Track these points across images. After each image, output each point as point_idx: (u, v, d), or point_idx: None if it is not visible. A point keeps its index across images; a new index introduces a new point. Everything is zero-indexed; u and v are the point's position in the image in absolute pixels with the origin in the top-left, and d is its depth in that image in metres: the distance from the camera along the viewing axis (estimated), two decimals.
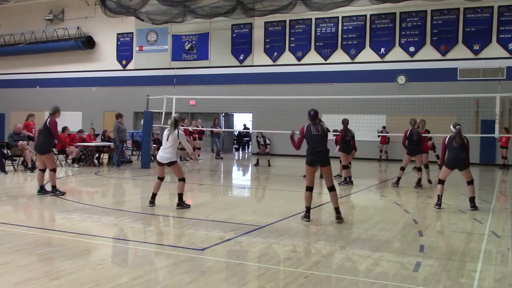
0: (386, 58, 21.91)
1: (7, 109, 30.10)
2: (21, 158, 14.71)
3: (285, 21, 23.62)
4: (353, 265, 5.36)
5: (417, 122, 12.47)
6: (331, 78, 22.42)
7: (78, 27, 27.70)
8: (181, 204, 8.51)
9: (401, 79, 21.50)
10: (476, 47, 20.47)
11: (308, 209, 7.60)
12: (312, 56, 23.22)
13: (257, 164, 17.89)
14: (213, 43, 25.29)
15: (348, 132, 12.74)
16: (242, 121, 30.10)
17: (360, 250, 5.94)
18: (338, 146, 13.05)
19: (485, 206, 9.37)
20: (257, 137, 18.89)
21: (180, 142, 8.68)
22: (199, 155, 20.31)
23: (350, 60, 22.51)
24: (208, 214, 8.16)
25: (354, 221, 8.10)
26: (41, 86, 29.27)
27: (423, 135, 12.65)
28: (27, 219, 7.51)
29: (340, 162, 12.89)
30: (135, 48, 27.05)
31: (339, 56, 22.74)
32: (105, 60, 27.75)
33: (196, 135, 20.21)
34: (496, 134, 14.26)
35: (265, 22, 23.95)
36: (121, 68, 27.42)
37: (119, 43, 27.50)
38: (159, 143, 19.33)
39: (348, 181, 12.52)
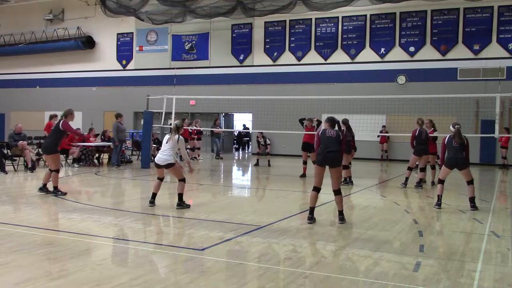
0: (386, 58, 21.91)
1: (7, 109, 30.10)
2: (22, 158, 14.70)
3: (285, 21, 23.62)
4: (353, 265, 5.36)
5: (425, 122, 12.44)
6: (331, 78, 22.42)
7: (78, 27, 27.70)
8: (181, 204, 8.52)
9: (401, 79, 21.51)
10: (476, 47, 20.47)
11: (312, 210, 7.55)
12: (312, 56, 23.22)
13: (257, 164, 17.89)
14: (213, 43, 25.29)
15: (349, 132, 12.73)
16: (242, 121, 30.10)
17: (360, 250, 5.94)
18: None
19: (485, 206, 9.37)
20: (257, 137, 18.90)
21: (179, 148, 8.70)
22: (199, 155, 20.32)
23: (350, 60, 22.51)
24: (208, 214, 8.16)
25: (354, 221, 8.10)
26: (41, 86, 29.27)
27: (430, 135, 12.63)
28: (27, 219, 7.50)
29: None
30: (135, 48, 27.05)
31: (339, 56, 22.73)
32: (105, 60, 27.75)
33: (195, 136, 20.18)
34: (496, 134, 14.26)
35: (265, 22, 23.95)
36: (121, 68, 27.42)
37: (119, 43, 27.50)
38: (159, 143, 19.36)
39: (348, 181, 12.52)
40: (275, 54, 23.94)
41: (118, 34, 27.38)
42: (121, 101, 26.01)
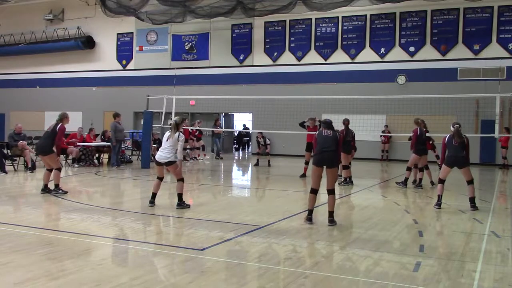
0: (386, 58, 21.90)
1: (7, 109, 30.10)
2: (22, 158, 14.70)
3: (285, 21, 23.61)
4: (353, 265, 5.36)
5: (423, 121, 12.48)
6: (331, 78, 22.42)
7: (78, 27, 27.69)
8: (181, 204, 8.52)
9: (401, 79, 21.50)
10: (476, 47, 20.47)
11: (310, 212, 7.49)
12: (312, 56, 23.22)
13: (257, 164, 17.89)
14: (213, 43, 25.28)
15: (349, 132, 12.74)
16: (242, 121, 30.09)
17: (360, 250, 5.94)
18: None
19: (485, 206, 9.37)
20: (257, 137, 18.89)
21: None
22: (198, 155, 20.32)
23: (350, 60, 22.50)
24: (208, 214, 8.16)
25: (354, 221, 8.10)
26: (41, 86, 29.27)
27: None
28: (27, 219, 7.50)
29: (340, 162, 12.88)
30: (135, 48, 27.04)
31: (339, 56, 22.73)
32: (105, 60, 27.74)
33: (194, 137, 20.18)
34: (496, 134, 14.26)
35: (265, 22, 23.94)
36: (121, 68, 27.41)
37: (119, 43, 27.50)
38: (159, 143, 19.36)
39: (348, 181, 12.53)
40: (275, 54, 23.94)
41: (118, 34, 27.38)
42: (121, 101, 26.00)
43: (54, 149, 10.01)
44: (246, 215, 8.11)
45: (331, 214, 7.48)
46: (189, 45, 25.75)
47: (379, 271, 5.13)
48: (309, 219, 7.45)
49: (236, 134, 29.69)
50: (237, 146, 29.68)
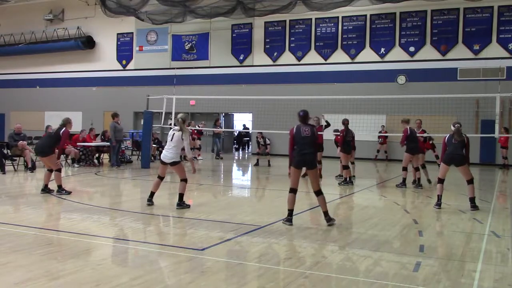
0: (386, 58, 21.90)
1: (7, 109, 30.11)
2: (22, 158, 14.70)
3: (285, 21, 23.61)
4: (353, 265, 5.36)
5: (416, 122, 12.50)
6: (331, 78, 22.42)
7: (78, 27, 27.69)
8: (181, 204, 8.51)
9: (401, 79, 21.50)
10: (476, 47, 20.47)
11: (291, 212, 7.35)
12: (312, 56, 23.22)
13: (257, 164, 17.89)
14: (213, 43, 25.28)
15: (349, 132, 12.74)
16: (242, 121, 30.09)
17: (360, 250, 5.94)
18: (339, 148, 13.02)
19: (485, 206, 9.37)
20: (257, 137, 18.89)
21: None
22: (199, 155, 20.32)
23: (350, 60, 22.51)
24: (208, 214, 8.16)
25: (354, 221, 8.10)
26: (41, 86, 29.27)
27: (419, 135, 12.72)
28: (27, 219, 7.50)
29: (341, 162, 12.91)
30: (135, 48, 27.05)
31: (339, 56, 22.73)
32: (105, 60, 27.75)
33: (195, 136, 20.19)
34: (496, 134, 14.27)
35: (265, 22, 23.94)
36: (121, 68, 27.42)
37: (119, 43, 27.50)
38: (159, 143, 19.36)
39: (348, 181, 12.52)
40: (275, 54, 23.94)
41: (118, 34, 27.38)
42: (121, 101, 26.00)
43: (56, 150, 10.08)
44: (246, 215, 8.11)
45: (326, 213, 7.41)
46: (189, 45, 25.75)
47: (379, 271, 5.13)
48: (289, 219, 7.31)
49: (236, 134, 29.69)
50: (237, 146, 29.69)
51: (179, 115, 8.62)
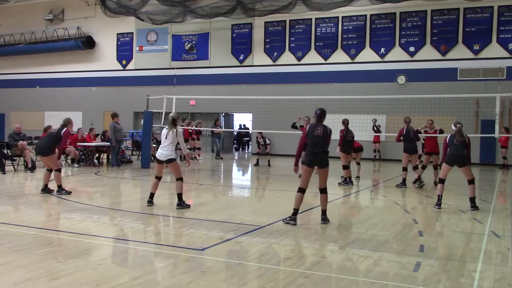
0: (386, 58, 21.90)
1: (7, 109, 30.10)
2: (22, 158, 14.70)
3: (285, 21, 23.61)
4: (353, 265, 5.36)
5: (427, 122, 12.47)
6: (331, 78, 22.42)
7: (78, 27, 27.69)
8: (181, 204, 8.52)
9: (401, 79, 21.50)
10: (476, 47, 20.47)
11: (296, 211, 7.38)
12: (312, 56, 23.21)
13: (257, 164, 17.89)
14: (213, 43, 25.28)
15: (349, 132, 12.73)
16: (242, 121, 30.09)
17: (360, 250, 5.94)
18: (338, 147, 12.99)
19: (485, 206, 9.37)
20: (257, 137, 18.89)
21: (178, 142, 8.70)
22: (199, 155, 20.32)
23: (350, 60, 22.50)
24: (208, 214, 8.16)
25: (354, 221, 8.11)
26: (41, 86, 29.26)
27: (432, 135, 12.66)
28: (27, 219, 7.50)
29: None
30: (135, 48, 27.04)
31: (339, 56, 22.73)
32: (105, 60, 27.74)
33: (195, 136, 20.20)
34: (496, 134, 14.26)
35: (265, 22, 23.94)
36: (121, 68, 27.41)
37: (119, 43, 27.50)
38: (158, 143, 19.32)
39: (348, 181, 12.51)
40: (275, 54, 23.93)
41: (118, 34, 27.38)
42: (121, 101, 26.00)
43: (56, 150, 10.10)
44: (246, 215, 8.11)
45: (324, 212, 7.50)
46: (189, 45, 25.75)
47: (379, 271, 5.13)
48: (294, 219, 7.33)
49: (236, 134, 29.69)
50: (237, 146, 29.69)
51: (170, 114, 8.66)
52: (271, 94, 20.75)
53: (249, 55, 24.50)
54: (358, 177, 13.42)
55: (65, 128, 10.10)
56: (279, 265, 5.32)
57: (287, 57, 23.71)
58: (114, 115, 16.29)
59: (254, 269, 5.16)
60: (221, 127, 21.93)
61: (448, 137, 9.27)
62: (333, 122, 14.93)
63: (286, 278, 4.86)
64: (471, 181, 9.05)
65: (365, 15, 22.18)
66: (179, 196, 8.54)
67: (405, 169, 12.27)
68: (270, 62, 24.02)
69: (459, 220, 8.13)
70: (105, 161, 17.41)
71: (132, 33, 27.04)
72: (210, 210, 8.55)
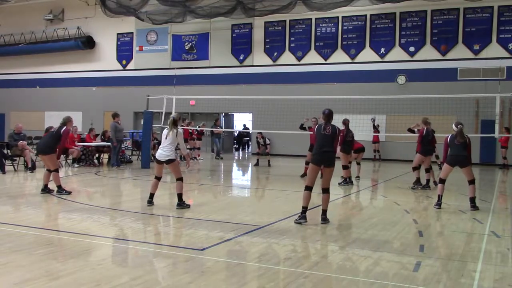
0: (386, 58, 21.90)
1: (7, 109, 30.10)
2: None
3: (285, 21, 23.61)
4: (353, 265, 5.36)
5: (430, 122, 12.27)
6: (331, 78, 22.42)
7: (78, 27, 27.69)
8: (181, 204, 8.51)
9: (401, 79, 21.50)
10: (476, 47, 20.47)
11: (305, 210, 7.46)
12: (312, 56, 23.21)
13: (257, 164, 17.89)
14: (213, 43, 25.28)
15: (349, 132, 12.72)
16: (242, 121, 30.09)
17: (360, 250, 5.94)
18: (339, 147, 12.96)
19: (485, 206, 9.37)
20: (257, 137, 18.90)
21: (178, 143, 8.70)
22: (198, 155, 20.32)
23: (350, 60, 22.50)
24: (208, 214, 8.16)
25: (354, 221, 8.11)
26: (41, 86, 29.27)
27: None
28: (27, 219, 7.50)
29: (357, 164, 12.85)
30: (135, 48, 27.04)
31: (339, 56, 22.73)
32: (105, 60, 27.74)
33: (195, 136, 20.20)
34: (496, 134, 14.26)
35: (265, 22, 23.94)
36: (121, 68, 27.41)
37: (119, 43, 27.50)
38: (158, 143, 19.33)
39: (348, 181, 12.51)
40: (275, 54, 23.93)
41: (118, 34, 27.38)
42: (121, 101, 26.00)
43: (56, 150, 10.12)
44: (246, 215, 8.11)
45: (324, 212, 7.53)
46: (189, 45, 25.75)
47: (379, 271, 5.13)
48: (304, 217, 7.40)
49: (236, 134, 29.69)
50: (237, 146, 29.69)
51: (171, 115, 8.67)
52: (271, 94, 20.76)
53: (249, 55, 24.50)
54: (358, 177, 13.43)
55: (65, 127, 10.10)
56: (279, 265, 5.32)
57: (287, 57, 23.71)
58: (115, 115, 16.29)
59: (254, 269, 5.16)
60: (221, 127, 21.93)
61: (448, 138, 9.24)
62: (333, 122, 14.97)
63: (286, 278, 4.86)
64: (472, 181, 9.05)
65: (365, 15, 22.19)
66: (179, 196, 8.54)
67: (416, 168, 11.91)
68: (270, 62, 24.02)
69: (459, 220, 8.13)
70: (105, 161, 17.41)
71: (132, 33, 27.04)
72: (210, 210, 8.55)
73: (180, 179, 8.58)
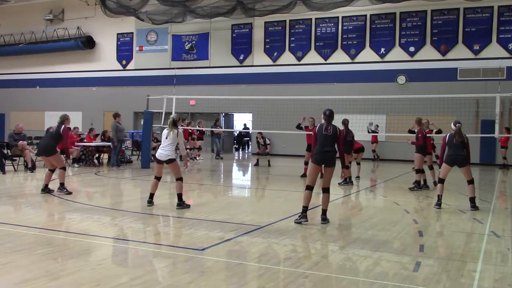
0: (386, 58, 21.91)
1: (7, 109, 30.11)
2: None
3: (285, 21, 23.62)
4: (353, 265, 5.36)
5: (423, 121, 12.27)
6: (331, 78, 22.42)
7: (78, 27, 27.70)
8: (181, 204, 8.51)
9: (401, 79, 21.51)
10: (476, 47, 20.48)
11: (305, 209, 7.47)
12: (312, 56, 23.22)
13: (257, 164, 17.89)
14: (213, 43, 25.29)
15: (349, 132, 12.72)
16: (242, 121, 30.10)
17: (360, 250, 5.94)
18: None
19: (485, 206, 9.37)
20: (257, 137, 18.90)
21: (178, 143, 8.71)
22: (198, 155, 20.32)
23: (350, 60, 22.51)
24: (208, 214, 8.16)
25: (354, 221, 8.11)
26: (41, 86, 29.27)
27: (428, 135, 12.52)
28: (27, 219, 7.50)
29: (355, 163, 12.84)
30: (135, 48, 27.05)
31: (339, 56, 22.73)
32: (105, 60, 27.75)
33: (195, 136, 20.20)
34: (496, 134, 14.26)
35: (265, 22, 23.95)
36: (121, 68, 27.42)
37: (119, 43, 27.50)
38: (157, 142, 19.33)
39: (348, 181, 12.51)
40: (275, 54, 23.94)
41: (118, 34, 27.39)
42: (121, 101, 26.01)
43: (58, 149, 10.14)
44: (246, 215, 8.11)
45: (324, 212, 7.54)
46: (189, 45, 25.76)
47: (379, 271, 5.13)
48: (304, 216, 7.42)
49: (236, 134, 29.69)
50: (237, 146, 29.69)
51: (171, 116, 8.68)
52: (271, 94, 20.77)
53: (249, 55, 24.50)
54: (358, 177, 13.43)
55: (63, 126, 10.08)
56: (279, 265, 5.32)
57: (287, 57, 23.71)
58: (116, 115, 16.30)
59: (254, 269, 5.16)
60: (221, 127, 21.93)
61: (447, 137, 9.22)
62: (333, 122, 14.97)
63: (286, 278, 4.86)
64: (471, 181, 9.04)
65: (365, 15, 22.19)
66: (179, 196, 8.54)
67: (419, 171, 11.71)
68: (270, 62, 24.02)
69: (459, 220, 8.13)
70: (105, 161, 17.41)
71: (132, 33, 27.05)
72: (210, 210, 8.55)
73: (180, 179, 8.58)
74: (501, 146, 18.84)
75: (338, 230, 7.19)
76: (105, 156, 17.59)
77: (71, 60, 28.25)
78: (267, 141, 18.83)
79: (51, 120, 24.60)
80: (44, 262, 5.15)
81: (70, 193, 9.91)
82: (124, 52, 27.33)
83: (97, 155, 16.98)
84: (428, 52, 21.23)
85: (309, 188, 7.53)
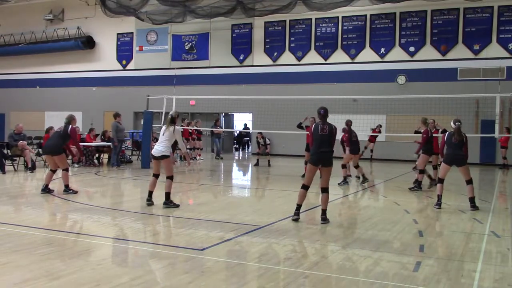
0: (386, 58, 21.91)
1: (7, 109, 30.11)
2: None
3: (285, 21, 23.62)
4: (353, 265, 5.36)
5: (429, 122, 12.22)
6: (331, 78, 22.42)
7: (78, 27, 27.70)
8: (168, 203, 8.47)
9: (401, 79, 21.50)
10: (476, 47, 20.47)
11: (299, 207, 7.55)
12: (312, 56, 23.22)
13: (257, 164, 17.89)
14: (213, 43, 25.29)
15: (352, 132, 12.70)
16: (242, 121, 30.09)
17: (360, 250, 5.94)
18: (348, 148, 12.88)
19: (485, 206, 9.37)
20: (257, 137, 18.90)
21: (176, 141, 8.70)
22: (199, 155, 20.32)
23: (350, 60, 22.51)
24: (208, 214, 8.16)
25: (354, 221, 8.11)
26: (41, 86, 29.27)
27: (434, 135, 12.47)
28: (27, 219, 7.50)
29: (357, 164, 12.82)
30: (135, 48, 27.05)
31: (339, 56, 22.73)
32: (105, 60, 27.75)
33: (195, 136, 20.21)
34: (496, 134, 14.26)
35: (265, 22, 23.95)
36: (121, 68, 27.42)
37: (119, 43, 27.50)
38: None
39: (347, 181, 12.51)
40: (275, 54, 23.94)
41: (118, 34, 27.39)
42: (121, 101, 26.01)
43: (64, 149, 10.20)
44: (246, 215, 8.11)
45: (324, 212, 7.55)
46: (189, 45, 25.75)
47: (379, 271, 5.13)
48: (297, 214, 7.49)
49: (236, 134, 29.69)
50: (237, 146, 29.69)
51: (170, 113, 8.68)
52: (271, 94, 20.77)
53: (249, 55, 24.50)
54: (358, 177, 13.42)
55: (70, 126, 10.15)
56: (279, 265, 5.32)
57: (287, 57, 23.71)
58: (116, 115, 16.30)
59: (254, 269, 5.16)
60: (221, 127, 21.93)
61: (446, 135, 9.21)
62: (333, 122, 14.93)
63: (286, 278, 4.86)
64: (469, 181, 9.03)
65: (365, 15, 22.19)
66: (167, 195, 8.50)
67: (423, 172, 11.67)
68: (270, 62, 24.02)
69: (459, 220, 8.13)
70: (105, 161, 17.41)
71: (132, 33, 27.04)
72: (210, 210, 8.55)
73: (170, 177, 8.54)
74: (501, 146, 18.83)
75: (338, 230, 7.19)
76: (105, 156, 17.59)
77: (71, 60, 28.25)
78: (267, 141, 18.84)
79: (51, 120, 24.63)
80: (44, 262, 5.15)
81: (76, 192, 9.95)
82: (124, 52, 27.33)
83: (97, 155, 16.97)
84: (428, 52, 21.23)
85: (304, 187, 7.58)
